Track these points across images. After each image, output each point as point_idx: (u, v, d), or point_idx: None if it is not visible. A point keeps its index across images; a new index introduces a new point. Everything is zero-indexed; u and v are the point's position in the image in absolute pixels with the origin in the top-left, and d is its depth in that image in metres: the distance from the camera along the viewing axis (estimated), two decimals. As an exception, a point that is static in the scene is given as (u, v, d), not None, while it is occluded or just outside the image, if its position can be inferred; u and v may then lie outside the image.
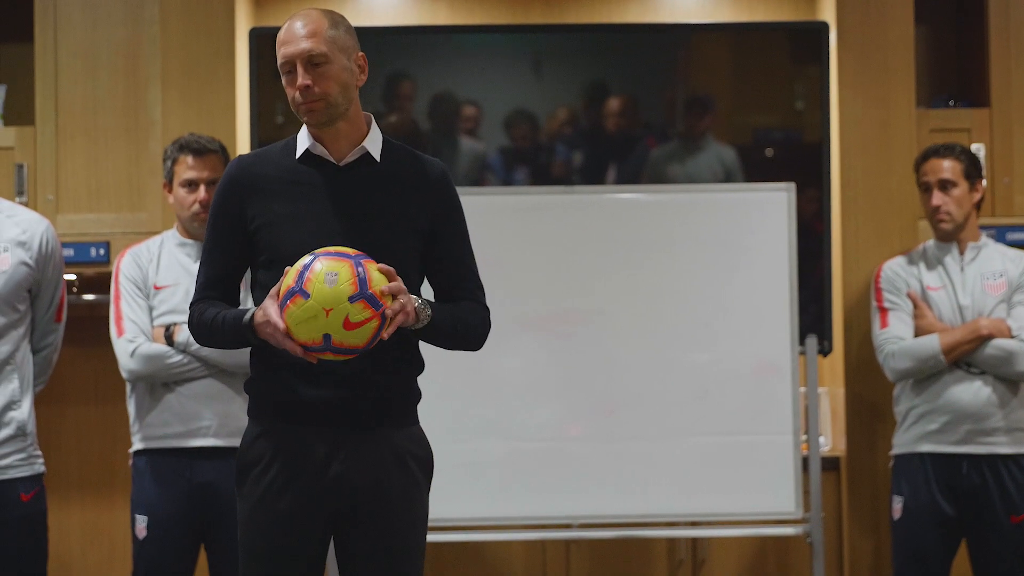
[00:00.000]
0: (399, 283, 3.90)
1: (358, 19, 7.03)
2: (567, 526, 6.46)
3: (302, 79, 4.12)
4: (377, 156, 4.26)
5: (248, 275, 4.40)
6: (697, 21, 7.46)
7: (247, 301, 4.71)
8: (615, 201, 6.61)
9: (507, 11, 7.48)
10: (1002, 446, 5.99)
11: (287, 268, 3.99)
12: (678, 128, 7.21)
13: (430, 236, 4.23)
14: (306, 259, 3.95)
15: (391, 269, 3.94)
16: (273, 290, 4.04)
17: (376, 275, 3.84)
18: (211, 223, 4.42)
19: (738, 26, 7.33)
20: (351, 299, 3.85)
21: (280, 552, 4.28)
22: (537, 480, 6.41)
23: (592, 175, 7.16)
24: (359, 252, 3.89)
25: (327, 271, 3.87)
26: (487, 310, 4.26)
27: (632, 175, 7.16)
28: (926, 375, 6.02)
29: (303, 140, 4.31)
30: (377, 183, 4.32)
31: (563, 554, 6.95)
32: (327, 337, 3.87)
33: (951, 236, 6.11)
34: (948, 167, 6.15)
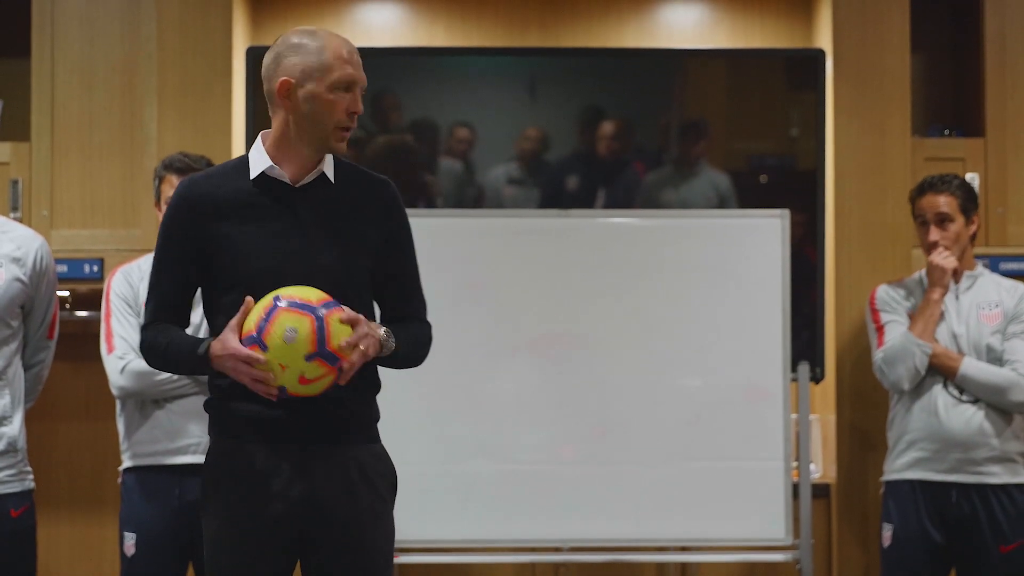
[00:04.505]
0: (361, 329, 3.93)
1: (355, 39, 7.04)
2: (557, 549, 6.48)
3: (359, 106, 4.16)
4: (331, 177, 4.27)
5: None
6: (693, 47, 7.54)
7: (201, 324, 4.80)
8: (608, 225, 6.67)
9: (504, 33, 7.58)
10: (993, 476, 6.02)
11: (248, 299, 4.01)
12: (672, 153, 7.25)
13: (382, 254, 4.26)
14: (269, 303, 3.97)
15: (357, 317, 3.97)
16: (233, 322, 4.05)
17: (336, 328, 3.88)
18: (161, 244, 4.39)
19: (734, 52, 7.42)
20: (307, 357, 3.89)
21: (248, 571, 4.29)
22: (527, 503, 6.43)
23: (583, 199, 7.19)
24: (324, 299, 3.92)
25: (287, 325, 3.89)
26: (430, 327, 4.31)
27: (623, 199, 7.21)
28: (917, 374, 6.05)
29: (258, 161, 4.30)
30: (332, 204, 4.31)
31: None
32: (281, 388, 3.90)
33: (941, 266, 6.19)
34: (944, 202, 6.19)
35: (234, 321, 4.07)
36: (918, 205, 6.28)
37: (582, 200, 7.22)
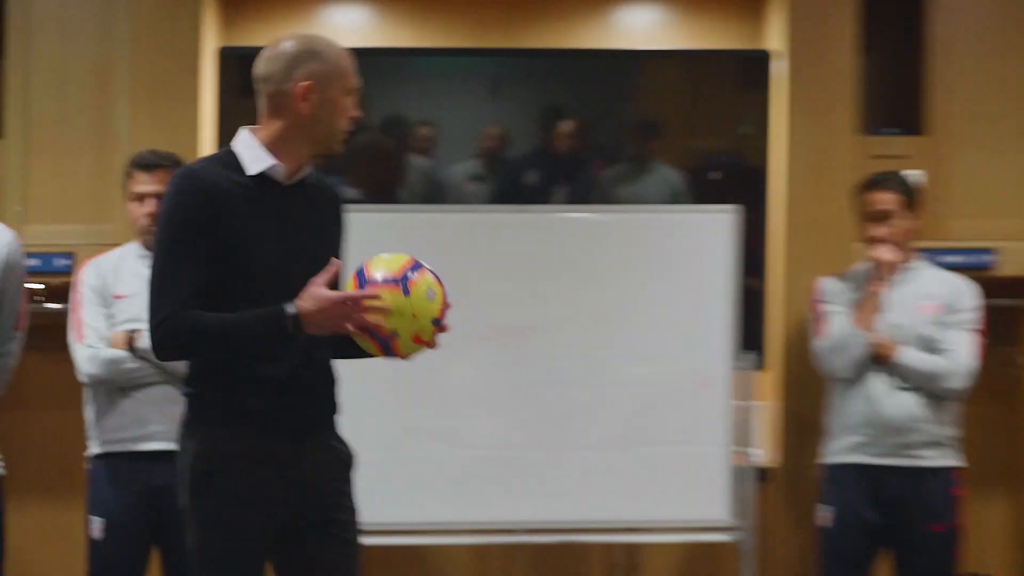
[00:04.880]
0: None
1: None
2: (510, 531, 6.62)
3: (359, 111, 4.36)
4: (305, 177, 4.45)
5: None
6: (648, 48, 7.59)
7: None
8: (565, 220, 6.85)
9: (467, 35, 7.56)
10: (926, 459, 6.23)
11: (382, 257, 4.12)
12: (628, 151, 7.41)
13: (341, 251, 4.44)
14: (408, 260, 4.12)
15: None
16: (318, 281, 4.13)
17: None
18: (179, 234, 4.39)
19: (687, 53, 7.50)
20: (434, 322, 4.07)
21: (243, 559, 4.42)
22: (483, 487, 6.59)
23: (543, 195, 7.36)
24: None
25: (430, 285, 4.06)
26: None
27: (582, 196, 7.35)
28: (856, 365, 6.24)
29: (257, 157, 4.39)
30: (312, 203, 4.46)
31: (506, 558, 7.18)
32: (394, 334, 4.06)
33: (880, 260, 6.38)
34: (889, 199, 6.38)
35: (319, 280, 4.16)
36: (863, 200, 6.44)
37: (541, 196, 7.38)
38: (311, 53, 4.34)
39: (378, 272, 4.13)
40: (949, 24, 7.24)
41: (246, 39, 7.43)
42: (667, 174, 7.39)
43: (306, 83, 4.29)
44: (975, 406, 6.77)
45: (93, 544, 6.04)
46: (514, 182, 7.46)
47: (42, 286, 6.77)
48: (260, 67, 4.42)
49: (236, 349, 4.36)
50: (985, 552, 7.38)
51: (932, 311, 6.35)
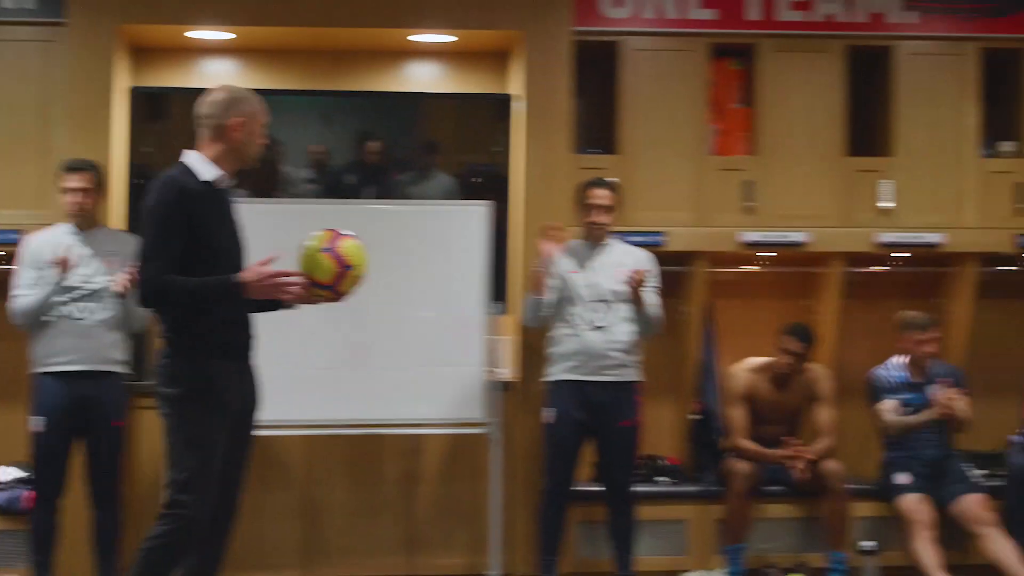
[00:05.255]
0: None
1: (201, 81, 8.28)
2: (332, 426, 7.66)
3: (267, 139, 5.31)
4: None
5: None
6: (430, 91, 8.73)
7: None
8: (373, 210, 7.88)
9: (307, 80, 8.57)
10: (618, 376, 7.58)
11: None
12: (416, 163, 8.44)
13: None
14: (333, 234, 5.03)
15: None
16: (254, 265, 4.93)
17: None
18: (165, 220, 5.04)
19: (456, 95, 8.64)
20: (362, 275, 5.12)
21: (219, 444, 5.14)
22: (313, 395, 7.51)
23: (357, 193, 8.32)
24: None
25: (358, 246, 5.08)
26: None
27: (385, 194, 8.34)
28: (539, 317, 7.48)
29: (208, 168, 5.16)
30: (231, 202, 5.36)
31: (328, 445, 8.11)
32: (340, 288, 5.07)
33: (600, 239, 7.51)
34: (606, 195, 7.56)
35: (255, 265, 5.00)
36: (587, 195, 7.51)
37: (356, 193, 8.33)
38: (240, 99, 5.31)
39: (339, 236, 4.97)
40: (634, 76, 8.48)
41: (150, 81, 8.51)
42: (443, 179, 8.40)
43: (239, 119, 5.27)
44: (653, 340, 8.04)
45: (35, 436, 7.05)
46: (337, 184, 8.39)
47: (3, 254, 7.71)
48: (204, 108, 5.35)
49: (201, 304, 5.12)
50: (658, 440, 8.69)
51: (622, 275, 7.52)
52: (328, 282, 5.15)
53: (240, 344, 5.34)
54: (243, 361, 5.36)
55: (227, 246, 5.28)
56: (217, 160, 5.27)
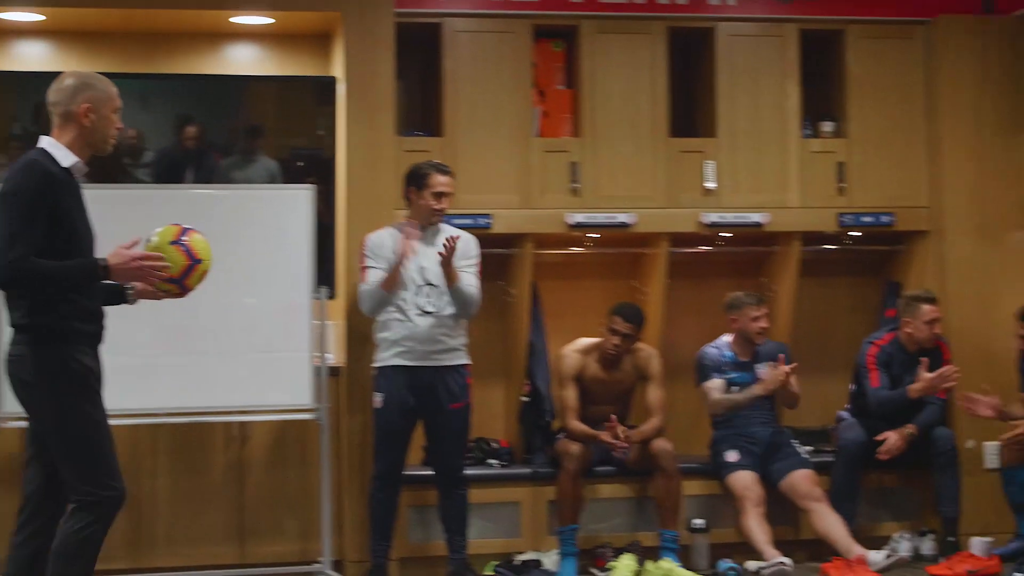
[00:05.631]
0: None
1: (11, 64, 8.36)
2: (156, 415, 7.68)
3: (121, 125, 5.33)
4: None
5: None
6: (254, 73, 8.73)
7: None
8: (193, 195, 7.98)
9: (124, 63, 8.50)
10: (446, 360, 7.68)
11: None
12: (238, 147, 8.48)
13: None
14: (177, 232, 5.10)
15: None
16: (120, 248, 5.00)
17: None
18: (31, 204, 5.02)
19: (280, 77, 8.67)
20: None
21: (105, 422, 5.27)
22: (137, 383, 7.42)
23: (178, 178, 8.32)
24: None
25: (205, 243, 5.17)
26: None
27: (206, 178, 8.36)
28: (380, 308, 7.49)
29: (66, 156, 5.18)
30: (81, 188, 5.34)
31: (153, 435, 8.11)
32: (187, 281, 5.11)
33: (435, 224, 7.59)
34: (448, 182, 7.68)
35: (121, 248, 5.06)
36: (428, 182, 7.59)
37: (176, 178, 8.33)
38: (89, 85, 5.28)
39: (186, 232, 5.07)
40: (457, 58, 8.61)
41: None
42: (267, 163, 8.42)
43: (87, 105, 5.25)
44: (482, 322, 8.26)
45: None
46: (157, 169, 8.38)
47: None
48: (52, 95, 5.33)
49: (66, 288, 5.15)
50: (489, 422, 8.77)
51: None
52: (176, 276, 5.20)
53: (99, 333, 5.41)
54: (98, 346, 5.43)
55: (83, 233, 5.31)
56: (70, 146, 5.29)
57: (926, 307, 8.51)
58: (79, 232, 5.26)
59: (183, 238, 5.28)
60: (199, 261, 5.23)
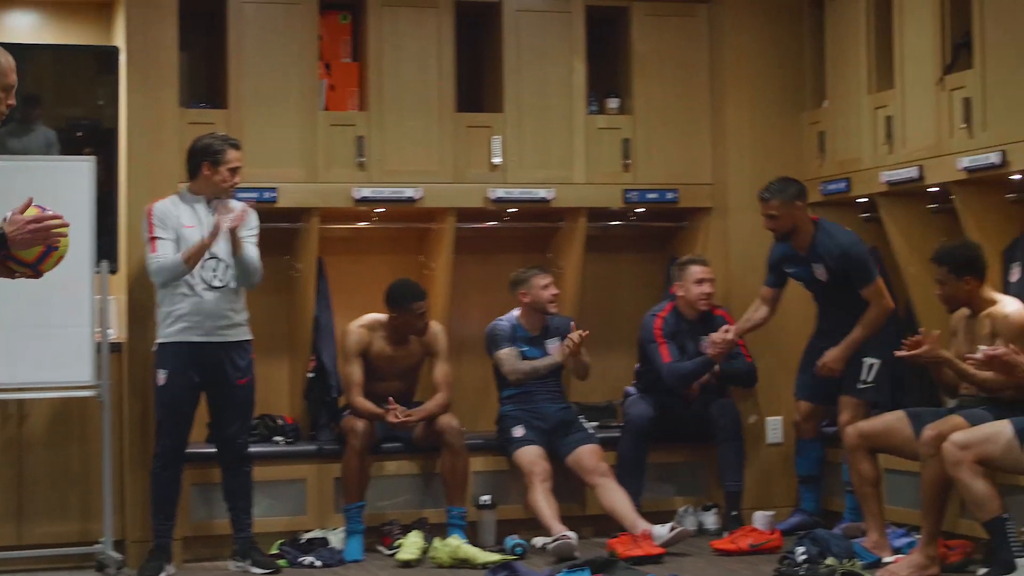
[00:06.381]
0: None
1: None
2: None
3: (14, 101, 4.98)
4: None
5: None
6: (31, 42, 8.51)
7: None
8: None
9: None
10: (232, 336, 7.71)
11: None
12: (16, 115, 7.95)
13: None
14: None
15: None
16: (11, 214, 4.73)
17: None
18: None
19: (59, 46, 8.50)
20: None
21: None
22: None
23: None
24: None
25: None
26: None
27: None
28: (177, 279, 7.46)
29: None
30: None
31: None
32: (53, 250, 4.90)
33: (224, 198, 7.60)
34: (240, 156, 7.68)
35: (17, 210, 4.82)
36: (227, 157, 7.61)
37: None
38: None
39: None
40: (242, 29, 8.55)
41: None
42: (46, 132, 8.25)
43: None
44: (267, 297, 8.36)
45: None
46: None
47: None
48: None
49: None
50: (274, 399, 8.80)
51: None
52: (31, 260, 5.01)
53: None
54: None
55: None
56: None
57: (693, 268, 8.69)
58: None
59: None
60: (54, 248, 5.04)
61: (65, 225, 4.91)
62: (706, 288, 8.74)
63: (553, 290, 8.70)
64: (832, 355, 8.18)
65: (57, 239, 4.90)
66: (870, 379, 8.18)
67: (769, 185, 8.27)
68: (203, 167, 7.74)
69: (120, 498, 8.12)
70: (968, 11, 7.92)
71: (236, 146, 7.76)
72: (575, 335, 8.49)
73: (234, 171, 7.72)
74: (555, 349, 8.71)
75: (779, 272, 8.46)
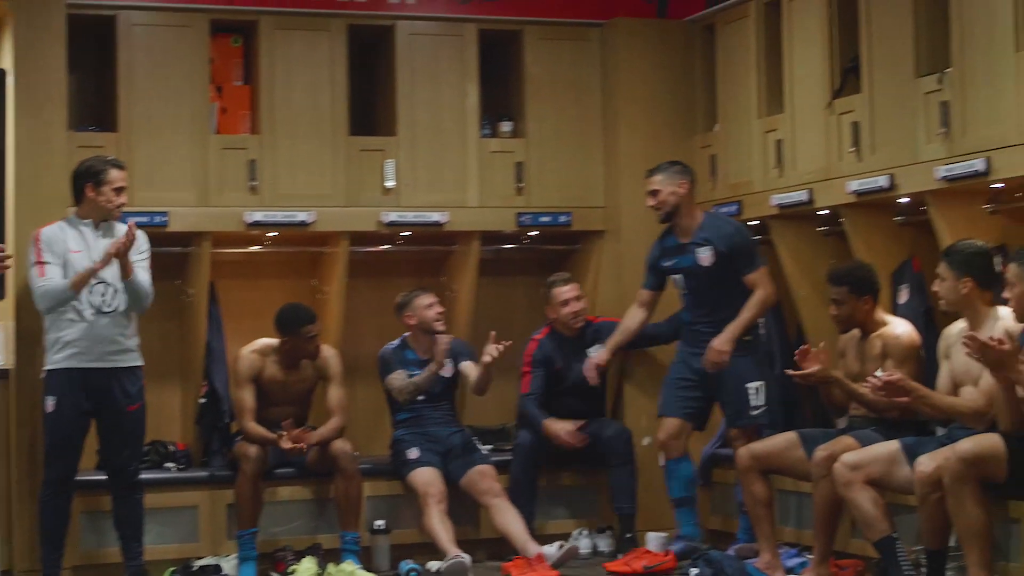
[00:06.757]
0: None
1: None
2: None
3: None
4: None
5: None
6: None
7: None
8: None
9: None
10: (123, 361, 7.59)
11: None
12: None
13: None
14: None
15: None
16: None
17: None
18: None
19: None
20: None
21: None
22: None
23: None
24: None
25: None
26: None
27: None
28: (63, 305, 7.32)
29: None
30: None
31: None
32: None
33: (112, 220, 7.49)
34: (123, 176, 7.54)
35: None
36: (109, 178, 7.44)
37: None
38: None
39: None
40: (132, 52, 8.55)
41: None
42: None
43: None
44: (158, 323, 8.30)
45: None
46: None
47: None
48: None
49: None
50: (165, 425, 8.76)
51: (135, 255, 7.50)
52: None
53: None
54: None
55: None
56: None
57: (556, 290, 8.74)
58: None
59: None
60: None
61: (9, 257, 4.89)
62: (573, 307, 8.77)
63: (438, 308, 8.71)
64: (719, 340, 8.09)
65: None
66: (760, 402, 8.17)
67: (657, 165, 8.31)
68: (87, 189, 7.65)
69: (8, 528, 8.00)
70: (856, 36, 8.02)
71: (119, 166, 7.68)
72: (496, 347, 8.44)
73: (119, 191, 7.64)
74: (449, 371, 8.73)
75: (658, 272, 8.45)
